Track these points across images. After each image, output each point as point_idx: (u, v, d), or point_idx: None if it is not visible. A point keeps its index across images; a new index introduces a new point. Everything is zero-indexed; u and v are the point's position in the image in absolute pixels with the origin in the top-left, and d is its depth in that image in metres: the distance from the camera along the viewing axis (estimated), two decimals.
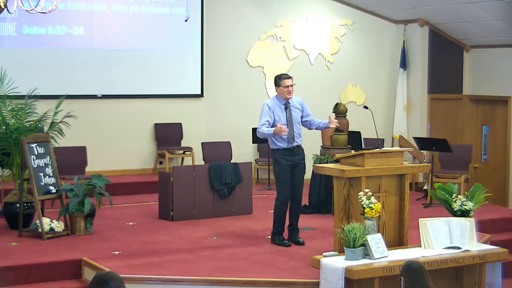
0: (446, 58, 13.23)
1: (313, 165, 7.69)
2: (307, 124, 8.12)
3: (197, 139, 11.86)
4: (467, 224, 7.00)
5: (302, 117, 8.03)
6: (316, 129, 8.22)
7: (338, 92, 13.14)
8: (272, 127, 7.78)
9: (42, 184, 8.36)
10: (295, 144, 7.88)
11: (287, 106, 7.90)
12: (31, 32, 11.07)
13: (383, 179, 7.13)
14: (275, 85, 7.94)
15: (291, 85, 7.87)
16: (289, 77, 7.92)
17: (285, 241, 7.95)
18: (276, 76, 8.01)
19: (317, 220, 9.28)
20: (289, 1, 12.84)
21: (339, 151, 9.10)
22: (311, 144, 8.43)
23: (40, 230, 8.11)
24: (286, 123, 7.81)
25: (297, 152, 7.92)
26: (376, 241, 6.58)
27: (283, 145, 7.84)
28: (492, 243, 7.80)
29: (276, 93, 7.98)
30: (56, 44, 11.24)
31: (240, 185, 9.60)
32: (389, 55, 13.49)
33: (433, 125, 13.16)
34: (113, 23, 11.61)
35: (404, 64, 13.12)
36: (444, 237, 6.97)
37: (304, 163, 7.98)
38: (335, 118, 9.98)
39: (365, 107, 8.64)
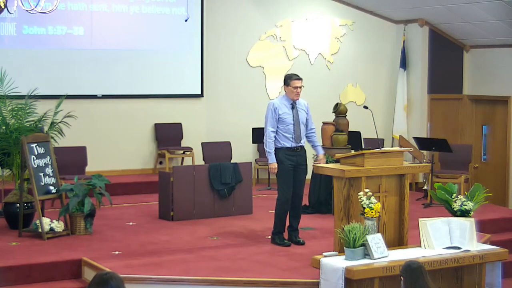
0: (446, 58, 13.23)
1: (313, 165, 7.68)
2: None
3: (197, 139, 11.85)
4: (467, 224, 7.00)
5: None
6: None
7: (338, 92, 13.14)
8: (277, 125, 7.81)
9: (42, 184, 8.35)
10: (299, 144, 7.89)
11: (293, 106, 7.91)
12: (31, 32, 11.07)
13: (383, 179, 7.13)
14: (284, 84, 7.94)
15: (300, 87, 7.87)
16: (300, 79, 7.91)
17: (285, 241, 7.95)
18: (286, 75, 8.03)
19: (317, 220, 9.28)
20: (289, 1, 12.83)
21: (339, 151, 9.09)
22: None
23: (40, 230, 8.11)
24: (292, 122, 7.83)
25: (300, 152, 7.93)
26: (376, 241, 6.58)
27: (287, 144, 7.85)
28: (492, 243, 7.80)
29: (284, 92, 7.99)
30: (56, 44, 11.24)
31: (240, 185, 9.60)
32: (389, 55, 13.49)
33: (433, 125, 13.15)
34: (113, 23, 11.60)
35: (404, 64, 13.12)
36: (444, 237, 6.96)
37: (306, 165, 7.99)
38: (334, 118, 10.07)
39: (365, 107, 8.64)
